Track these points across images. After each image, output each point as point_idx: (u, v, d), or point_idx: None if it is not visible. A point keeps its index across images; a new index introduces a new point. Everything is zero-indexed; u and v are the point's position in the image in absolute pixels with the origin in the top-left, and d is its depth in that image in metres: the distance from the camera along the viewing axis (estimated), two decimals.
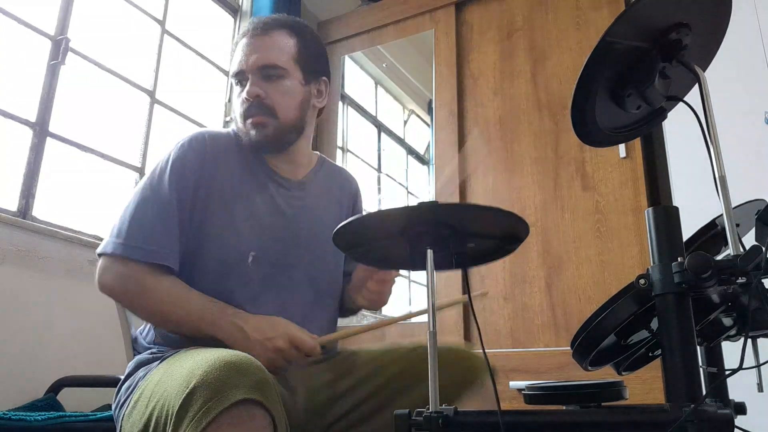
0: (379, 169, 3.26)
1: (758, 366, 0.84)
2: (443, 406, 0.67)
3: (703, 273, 0.64)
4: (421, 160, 3.33)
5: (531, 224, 2.23)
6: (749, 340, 0.87)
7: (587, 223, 2.23)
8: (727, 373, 0.83)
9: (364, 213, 1.13)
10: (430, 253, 0.71)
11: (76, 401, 1.67)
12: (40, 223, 1.88)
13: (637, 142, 2.21)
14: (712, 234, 0.89)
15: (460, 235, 0.74)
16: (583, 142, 0.86)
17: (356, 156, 3.12)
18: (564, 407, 0.72)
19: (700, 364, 0.76)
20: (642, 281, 0.70)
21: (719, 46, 0.86)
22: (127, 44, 2.38)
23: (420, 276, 2.97)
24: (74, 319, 1.83)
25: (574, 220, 2.26)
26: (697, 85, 0.77)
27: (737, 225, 0.88)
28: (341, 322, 1.33)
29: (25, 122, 1.94)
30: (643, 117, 0.86)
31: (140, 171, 2.30)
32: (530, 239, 2.26)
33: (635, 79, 0.79)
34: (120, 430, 0.98)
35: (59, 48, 2.05)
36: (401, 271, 1.42)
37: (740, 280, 0.68)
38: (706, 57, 0.87)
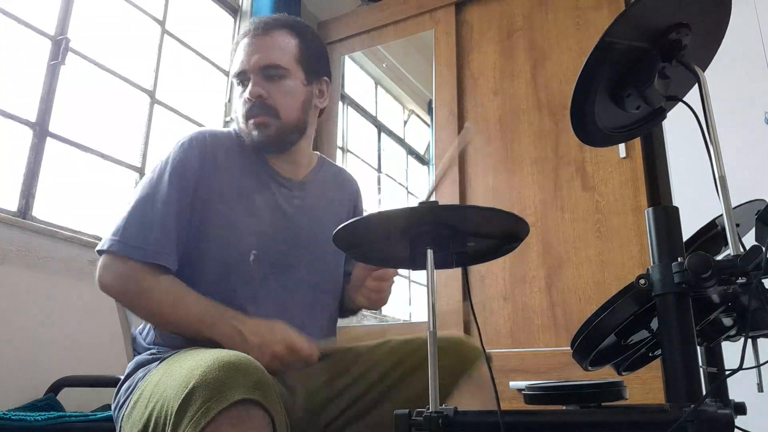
0: (379, 169, 3.26)
1: (758, 366, 0.84)
2: (443, 405, 0.67)
3: (703, 273, 0.64)
4: (421, 160, 3.33)
5: (531, 224, 2.23)
6: (749, 340, 0.87)
7: (587, 223, 2.23)
8: (727, 373, 0.83)
9: (365, 213, 1.13)
10: (430, 253, 0.71)
11: (76, 401, 1.67)
12: (40, 223, 1.88)
13: (637, 142, 2.21)
14: (712, 234, 0.89)
15: (460, 235, 0.74)
16: (583, 142, 0.86)
17: (356, 156, 3.12)
18: (564, 407, 0.72)
19: (700, 364, 0.76)
20: (642, 281, 0.70)
21: (719, 46, 0.86)
22: (127, 44, 2.38)
23: (420, 276, 2.97)
24: (74, 319, 1.83)
25: (574, 220, 2.26)
26: (696, 85, 0.77)
27: (737, 225, 0.88)
28: (341, 322, 1.33)
29: (25, 122, 1.94)
30: (642, 117, 0.86)
31: (140, 171, 2.30)
32: (530, 239, 2.26)
33: (635, 79, 0.79)
34: (120, 430, 0.98)
35: (59, 48, 2.05)
36: (401, 271, 1.42)
37: (740, 280, 0.68)
38: (706, 57, 0.87)
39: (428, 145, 2.93)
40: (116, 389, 1.06)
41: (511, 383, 2.05)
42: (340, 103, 3.06)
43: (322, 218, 1.24)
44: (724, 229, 0.73)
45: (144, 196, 1.09)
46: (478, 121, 2.58)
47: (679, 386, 0.66)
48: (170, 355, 0.99)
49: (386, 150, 3.35)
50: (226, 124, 2.78)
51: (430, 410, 0.66)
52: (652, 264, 0.71)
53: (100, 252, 1.06)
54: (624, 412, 0.69)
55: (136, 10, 2.42)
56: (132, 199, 1.10)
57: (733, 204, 0.77)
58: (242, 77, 1.18)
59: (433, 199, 1.09)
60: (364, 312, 1.31)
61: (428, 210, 0.71)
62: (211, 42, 2.83)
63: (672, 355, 0.67)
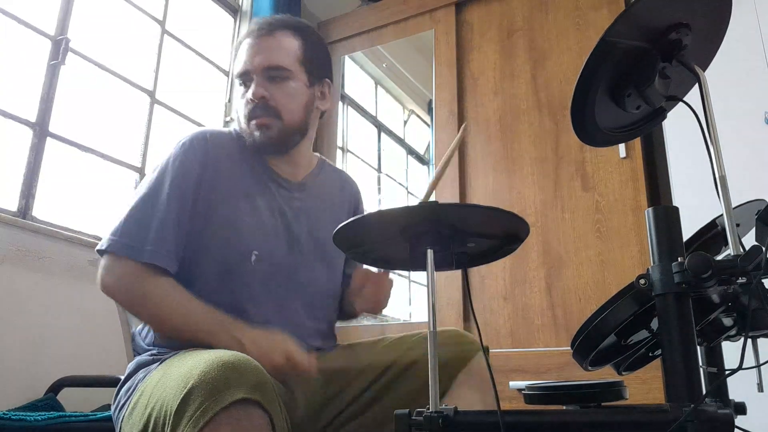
0: (379, 169, 3.26)
1: (758, 366, 0.84)
2: (443, 405, 0.67)
3: (703, 273, 0.64)
4: (421, 160, 3.32)
5: (531, 224, 2.23)
6: (749, 340, 0.87)
7: (587, 223, 2.23)
8: (727, 373, 0.83)
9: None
10: (430, 253, 0.71)
11: (76, 401, 1.67)
12: (40, 223, 1.88)
13: (637, 142, 2.21)
14: (712, 234, 0.89)
15: (460, 235, 0.74)
16: (583, 142, 0.86)
17: (356, 156, 3.12)
18: (564, 407, 0.72)
19: (700, 364, 0.76)
20: (642, 281, 0.70)
21: (719, 46, 0.86)
22: (127, 44, 2.38)
23: (420, 276, 2.97)
24: (74, 319, 1.83)
25: (574, 220, 2.26)
26: (697, 85, 0.77)
27: (737, 225, 0.88)
28: (340, 323, 1.33)
29: (25, 122, 1.94)
30: (643, 117, 0.86)
31: (140, 171, 2.30)
32: (530, 239, 2.26)
33: (635, 79, 0.79)
34: (119, 431, 0.98)
35: (59, 48, 2.05)
36: (402, 272, 1.42)
37: (740, 280, 0.68)
38: (706, 57, 0.87)
39: (428, 145, 2.93)
40: (116, 390, 1.06)
41: (511, 383, 2.05)
42: (340, 103, 3.06)
43: (322, 220, 1.24)
44: (724, 229, 0.73)
45: (145, 196, 1.08)
46: (478, 121, 2.57)
47: (679, 386, 0.66)
48: (170, 356, 0.99)
49: (386, 150, 3.35)
50: (226, 124, 2.78)
51: (430, 410, 0.66)
52: (652, 264, 0.71)
53: (100, 252, 1.06)
54: (624, 412, 0.69)
55: (136, 10, 2.42)
56: (133, 199, 1.09)
57: (733, 204, 0.77)
58: (245, 78, 1.18)
59: (432, 198, 1.09)
60: (364, 313, 1.31)
61: (428, 209, 0.71)
62: (211, 42, 2.83)
63: (672, 355, 0.67)
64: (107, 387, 1.64)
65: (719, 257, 0.77)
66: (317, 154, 1.34)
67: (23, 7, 1.98)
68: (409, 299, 2.98)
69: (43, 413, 1.35)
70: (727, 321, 0.86)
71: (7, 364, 1.66)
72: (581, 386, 0.70)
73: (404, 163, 3.41)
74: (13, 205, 1.88)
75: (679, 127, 2.06)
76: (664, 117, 0.85)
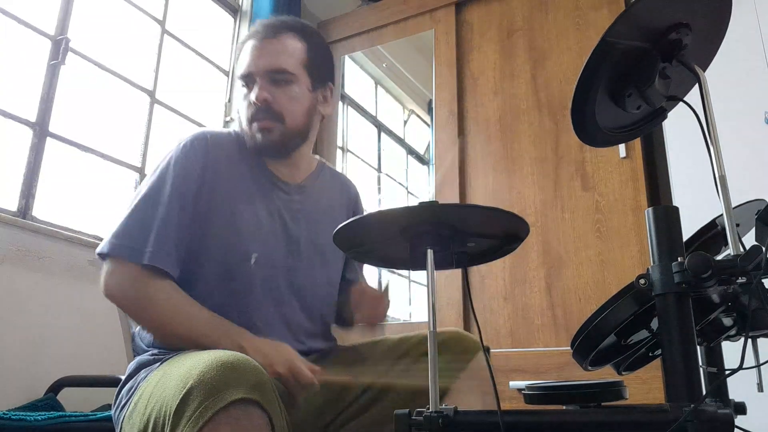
0: (379, 169, 3.26)
1: (758, 366, 0.84)
2: (443, 405, 0.67)
3: (703, 273, 0.64)
4: (421, 160, 3.32)
5: (531, 224, 2.23)
6: (749, 340, 0.87)
7: (587, 223, 2.23)
8: (727, 373, 0.83)
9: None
10: (430, 253, 0.71)
11: (76, 401, 1.67)
12: (40, 223, 1.88)
13: (637, 142, 2.21)
14: (712, 234, 0.89)
15: (460, 235, 0.74)
16: (583, 142, 0.86)
17: (356, 156, 3.12)
18: (564, 407, 0.72)
19: (700, 364, 0.76)
20: (642, 281, 0.70)
21: (719, 46, 0.86)
22: (127, 44, 2.38)
23: (420, 276, 2.97)
24: (74, 319, 1.83)
25: (574, 220, 2.26)
26: (697, 85, 0.77)
27: (737, 225, 0.88)
28: (338, 328, 1.32)
29: (25, 122, 1.94)
30: (643, 117, 0.86)
31: (140, 171, 2.30)
32: (530, 239, 2.26)
33: (635, 79, 0.79)
34: (120, 431, 0.98)
35: (59, 48, 2.05)
36: (402, 272, 1.42)
37: (740, 280, 0.68)
38: (706, 57, 0.87)
39: (428, 145, 2.93)
40: (117, 390, 1.06)
41: (511, 383, 2.05)
42: (340, 103, 3.06)
43: (321, 222, 1.24)
44: (724, 229, 0.73)
45: (145, 197, 1.08)
46: (478, 121, 2.58)
47: (679, 386, 0.66)
48: (171, 356, 0.98)
49: (386, 150, 3.35)
50: (226, 124, 2.78)
51: (430, 410, 0.66)
52: (652, 264, 0.71)
53: (101, 255, 1.05)
54: (624, 412, 0.69)
55: (136, 10, 2.42)
56: (133, 200, 1.08)
57: (733, 204, 0.77)
58: (248, 80, 1.17)
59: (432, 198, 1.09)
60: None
61: (428, 210, 0.71)
62: (211, 42, 2.83)
63: (672, 355, 0.67)
64: (107, 387, 1.64)
65: (719, 257, 0.76)
66: (317, 156, 1.34)
67: (23, 7, 1.98)
68: (409, 299, 2.98)
69: (43, 413, 1.35)
70: (727, 321, 0.86)
71: (7, 364, 1.66)
72: (581, 386, 0.70)
73: (404, 163, 3.41)
74: (13, 205, 1.88)
75: (679, 127, 2.06)
76: (665, 117, 0.85)
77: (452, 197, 2.49)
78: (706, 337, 0.88)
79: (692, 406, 0.61)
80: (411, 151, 3.41)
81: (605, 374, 0.91)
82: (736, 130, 1.96)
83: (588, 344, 0.77)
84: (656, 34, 0.77)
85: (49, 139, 1.99)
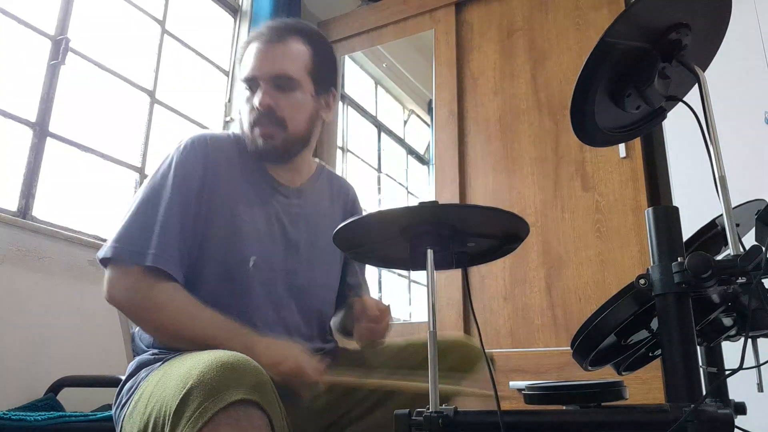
0: (379, 169, 3.26)
1: (758, 366, 0.84)
2: (443, 405, 0.67)
3: (703, 273, 0.64)
4: (421, 160, 3.33)
5: (531, 224, 2.23)
6: (749, 340, 0.87)
7: (587, 223, 2.23)
8: (727, 373, 0.83)
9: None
10: (430, 253, 0.71)
11: (76, 401, 1.67)
12: (40, 223, 1.88)
13: (637, 142, 2.21)
14: (712, 234, 0.89)
15: (460, 235, 0.74)
16: (583, 142, 0.86)
17: (356, 156, 3.12)
18: (564, 407, 0.72)
19: (700, 364, 0.76)
20: (642, 281, 0.70)
21: (719, 46, 0.86)
22: (127, 44, 2.38)
23: (420, 276, 2.97)
24: (74, 319, 1.83)
25: (574, 220, 2.26)
26: (697, 85, 0.77)
27: (737, 225, 0.88)
28: (339, 336, 1.31)
29: (25, 122, 1.94)
30: (642, 117, 0.86)
31: (140, 171, 2.30)
32: (530, 239, 2.26)
33: (635, 79, 0.79)
34: (120, 430, 0.98)
35: (59, 48, 2.05)
36: (401, 272, 1.41)
37: (740, 280, 0.68)
38: (706, 57, 0.87)
39: (428, 145, 2.93)
40: (118, 389, 1.06)
41: (511, 383, 2.05)
42: (341, 103, 3.06)
43: (320, 225, 1.24)
44: (724, 229, 0.73)
45: (146, 199, 1.07)
46: (478, 121, 2.58)
47: (679, 386, 0.66)
48: (172, 356, 0.98)
49: (386, 150, 3.35)
50: (226, 124, 2.78)
51: (430, 410, 0.66)
52: (652, 264, 0.71)
53: (104, 260, 1.04)
54: (624, 412, 0.69)
55: (136, 10, 2.42)
56: (134, 203, 1.08)
57: (733, 204, 0.77)
58: (252, 83, 1.16)
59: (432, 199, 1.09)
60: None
61: (428, 210, 0.71)
62: (211, 42, 2.83)
63: (672, 355, 0.67)
64: (107, 387, 1.64)
65: (719, 257, 0.76)
66: (316, 159, 1.34)
67: (23, 7, 1.98)
68: (409, 299, 2.99)
69: (43, 413, 1.35)
70: (727, 321, 0.86)
71: (7, 364, 1.66)
72: (581, 386, 0.70)
73: (404, 163, 3.41)
74: (13, 205, 1.88)
75: (679, 127, 2.06)
76: (664, 117, 0.85)
77: (452, 197, 2.49)
78: (706, 337, 0.88)
79: (692, 406, 0.61)
80: (411, 151, 3.41)
81: (605, 374, 0.91)
82: (736, 130, 1.96)
83: (588, 344, 0.77)
84: (656, 34, 0.77)
85: (49, 139, 1.99)
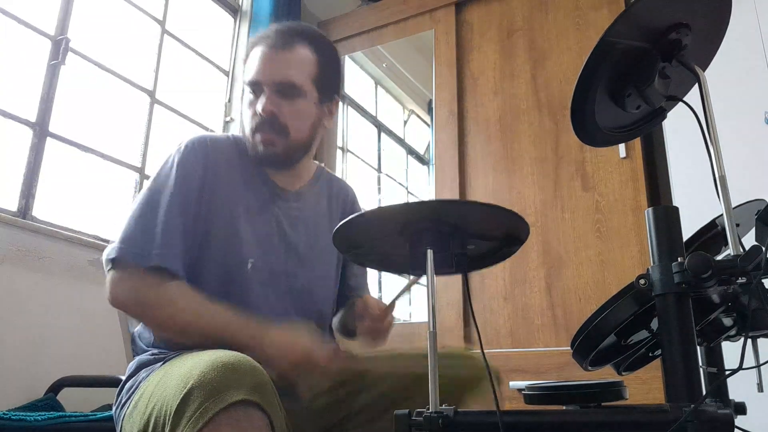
0: (379, 169, 3.26)
1: (758, 366, 0.84)
2: (443, 406, 0.67)
3: (703, 273, 0.64)
4: (421, 160, 3.33)
5: (531, 224, 2.23)
6: (749, 340, 0.87)
7: (587, 223, 2.23)
8: (727, 373, 0.83)
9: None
10: (430, 253, 0.71)
11: (76, 401, 1.67)
12: (40, 223, 1.88)
13: (637, 142, 2.21)
14: (712, 234, 0.89)
15: (460, 233, 0.74)
16: (583, 142, 0.86)
17: (356, 156, 3.12)
18: (564, 407, 0.72)
19: (700, 364, 0.76)
20: (642, 281, 0.70)
21: (719, 46, 0.86)
22: (127, 44, 2.38)
23: None
24: (74, 319, 1.83)
25: (574, 220, 2.26)
26: (697, 85, 0.77)
27: (737, 225, 0.88)
28: (340, 337, 1.32)
29: (25, 122, 1.94)
30: (642, 117, 0.86)
31: (140, 171, 2.30)
32: (530, 239, 2.25)
33: (635, 78, 0.79)
34: (120, 430, 0.98)
35: (59, 48, 2.05)
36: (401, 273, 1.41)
37: (740, 280, 0.68)
38: (706, 57, 0.87)
39: (428, 145, 2.93)
40: (118, 389, 1.06)
41: (511, 383, 2.05)
42: (341, 103, 3.06)
43: (319, 227, 1.24)
44: (724, 229, 0.73)
45: (147, 200, 1.07)
46: (478, 121, 2.58)
47: (679, 386, 0.66)
48: (172, 356, 0.98)
49: (386, 150, 3.35)
50: (226, 124, 2.78)
51: (430, 410, 0.66)
52: (652, 264, 0.71)
53: (107, 261, 1.03)
54: (624, 412, 0.68)
55: (136, 10, 2.42)
56: (135, 205, 1.08)
57: (733, 204, 0.77)
58: (255, 87, 1.15)
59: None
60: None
61: (428, 206, 0.71)
62: (211, 42, 2.83)
63: (672, 355, 0.67)
64: (107, 387, 1.64)
65: (719, 257, 0.77)
66: (316, 161, 1.34)
67: (23, 7, 1.98)
68: (409, 299, 2.98)
69: (43, 413, 1.35)
70: (727, 321, 0.85)
71: (7, 364, 1.66)
72: (581, 386, 0.70)
73: (404, 163, 3.41)
74: (13, 205, 1.88)
75: (679, 127, 2.06)
76: (664, 117, 0.85)
77: (452, 197, 2.49)
78: (706, 337, 0.88)
79: (692, 406, 0.61)
80: (411, 151, 3.41)
81: (605, 374, 0.91)
82: (736, 130, 1.96)
83: (588, 344, 0.77)
84: (656, 34, 0.77)
85: (49, 139, 1.99)
